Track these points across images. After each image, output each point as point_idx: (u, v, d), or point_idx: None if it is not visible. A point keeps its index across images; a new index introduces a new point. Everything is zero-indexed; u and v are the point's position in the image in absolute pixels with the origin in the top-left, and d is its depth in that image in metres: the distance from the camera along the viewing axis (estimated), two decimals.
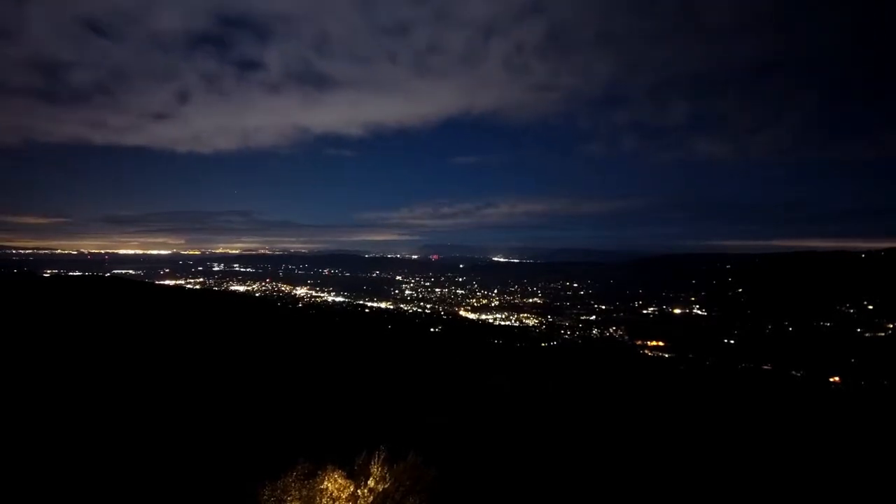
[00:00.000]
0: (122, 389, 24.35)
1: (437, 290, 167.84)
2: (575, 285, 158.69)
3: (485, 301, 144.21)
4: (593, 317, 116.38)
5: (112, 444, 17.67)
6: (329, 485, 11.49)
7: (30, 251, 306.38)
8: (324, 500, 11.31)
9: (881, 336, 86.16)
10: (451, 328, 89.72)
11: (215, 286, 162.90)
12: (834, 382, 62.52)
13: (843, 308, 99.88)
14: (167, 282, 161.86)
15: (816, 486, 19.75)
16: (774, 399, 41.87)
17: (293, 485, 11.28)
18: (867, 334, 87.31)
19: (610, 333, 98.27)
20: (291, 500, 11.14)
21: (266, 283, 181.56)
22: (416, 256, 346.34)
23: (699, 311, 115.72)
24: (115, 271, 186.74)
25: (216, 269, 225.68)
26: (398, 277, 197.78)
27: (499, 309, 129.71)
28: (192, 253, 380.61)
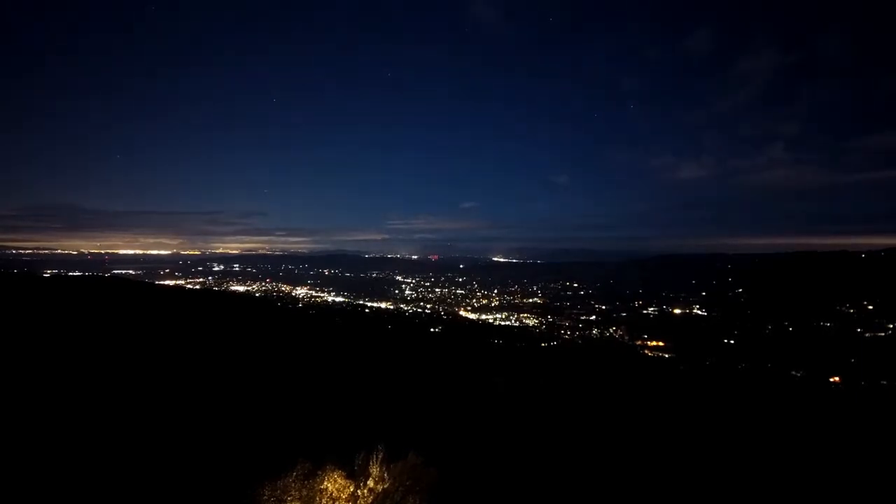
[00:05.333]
0: (123, 389, 24.36)
1: (436, 290, 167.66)
2: (575, 285, 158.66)
3: (485, 301, 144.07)
4: (593, 317, 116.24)
5: (112, 444, 17.67)
6: (329, 485, 11.52)
7: (30, 251, 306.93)
8: (324, 500, 11.33)
9: (881, 336, 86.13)
10: (451, 328, 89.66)
11: (215, 286, 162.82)
12: (834, 382, 62.54)
13: (843, 308, 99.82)
14: (167, 282, 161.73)
15: (817, 485, 19.76)
16: (774, 399, 41.89)
17: (293, 485, 11.29)
18: (867, 334, 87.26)
19: (610, 333, 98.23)
20: (291, 500, 11.15)
21: (266, 283, 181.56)
22: (415, 257, 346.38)
23: (699, 311, 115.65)
24: (115, 271, 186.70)
25: (216, 269, 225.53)
26: (398, 278, 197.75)
27: (499, 309, 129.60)
28: (192, 253, 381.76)
